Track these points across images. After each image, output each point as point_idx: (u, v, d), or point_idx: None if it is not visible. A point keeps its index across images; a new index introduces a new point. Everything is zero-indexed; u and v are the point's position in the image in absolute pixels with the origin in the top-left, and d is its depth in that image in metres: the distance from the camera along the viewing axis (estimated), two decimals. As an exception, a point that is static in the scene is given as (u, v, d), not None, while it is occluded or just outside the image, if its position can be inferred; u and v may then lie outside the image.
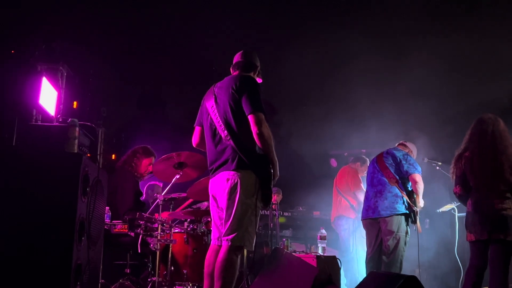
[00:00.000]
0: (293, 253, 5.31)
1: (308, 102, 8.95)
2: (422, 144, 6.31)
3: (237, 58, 3.92)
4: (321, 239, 6.00)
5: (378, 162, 5.60)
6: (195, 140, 3.95)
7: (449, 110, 7.62)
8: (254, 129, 3.48)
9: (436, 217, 7.27)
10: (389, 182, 5.42)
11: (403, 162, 5.44)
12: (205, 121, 3.79)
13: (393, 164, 5.49)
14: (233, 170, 3.52)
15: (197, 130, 3.93)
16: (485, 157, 4.39)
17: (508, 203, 4.27)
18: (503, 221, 4.24)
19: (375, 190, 5.51)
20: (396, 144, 5.86)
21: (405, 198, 5.36)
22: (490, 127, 4.46)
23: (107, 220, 4.61)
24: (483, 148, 4.42)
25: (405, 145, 5.78)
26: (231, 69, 3.95)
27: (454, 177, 4.59)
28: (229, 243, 3.46)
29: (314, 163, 9.56)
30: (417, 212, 5.37)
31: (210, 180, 3.73)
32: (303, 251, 6.24)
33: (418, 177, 5.35)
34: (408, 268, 5.82)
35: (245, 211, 3.49)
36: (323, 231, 6.10)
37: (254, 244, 3.57)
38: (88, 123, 3.98)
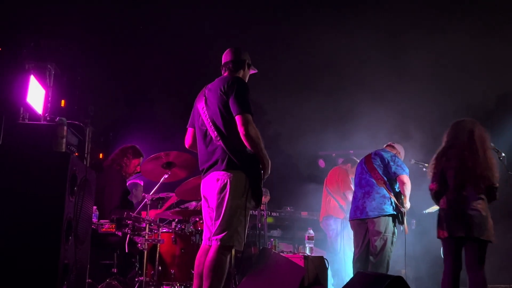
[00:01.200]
0: (281, 253, 5.33)
1: (297, 103, 8.97)
2: (409, 145, 6.36)
3: (225, 57, 3.94)
4: (308, 239, 6.02)
5: (366, 163, 5.63)
6: (187, 141, 3.97)
7: (436, 112, 7.69)
8: (240, 130, 3.51)
9: (423, 218, 7.33)
10: (377, 183, 5.45)
11: (391, 163, 5.47)
12: (197, 122, 3.82)
13: (381, 165, 5.52)
14: (223, 170, 3.55)
15: (189, 131, 3.95)
16: (473, 154, 4.42)
17: (482, 204, 4.35)
18: (476, 220, 4.30)
19: (363, 191, 5.54)
20: (384, 146, 5.89)
21: (393, 199, 5.39)
22: (475, 128, 4.52)
23: (94, 220, 4.59)
24: (470, 146, 4.45)
25: (393, 147, 5.82)
26: (221, 69, 3.96)
27: (432, 174, 4.62)
28: (219, 243, 3.48)
29: (302, 163, 9.60)
30: (404, 213, 5.41)
31: (202, 181, 3.76)
32: (290, 251, 6.26)
33: (406, 178, 5.39)
34: (394, 268, 5.85)
35: (235, 211, 3.51)
36: (311, 231, 6.12)
37: (243, 244, 3.57)
38: (76, 122, 3.96)
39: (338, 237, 6.97)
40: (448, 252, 4.48)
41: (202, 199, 3.78)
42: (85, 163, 4.02)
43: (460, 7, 8.24)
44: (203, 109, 3.73)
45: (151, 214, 4.93)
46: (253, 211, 7.15)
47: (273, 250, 5.51)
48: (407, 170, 5.47)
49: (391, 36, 8.37)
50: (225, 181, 3.53)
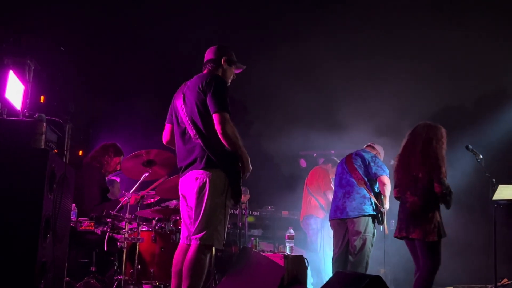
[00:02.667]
0: (261, 253, 5.34)
1: (278, 103, 8.98)
2: (389, 146, 6.41)
3: (206, 56, 3.92)
4: (289, 238, 6.04)
5: (347, 163, 5.66)
6: (165, 137, 3.93)
7: (417, 114, 7.75)
8: (217, 128, 3.50)
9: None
10: (357, 183, 5.49)
11: (372, 164, 5.52)
12: (175, 119, 3.78)
13: (362, 166, 5.55)
14: (201, 169, 3.53)
15: (167, 127, 3.91)
16: (412, 157, 4.60)
17: (417, 203, 4.48)
18: (410, 221, 4.47)
19: (344, 191, 5.57)
20: (364, 146, 5.93)
21: (373, 199, 5.44)
22: (423, 132, 4.66)
23: (73, 217, 4.54)
24: (411, 150, 4.63)
25: (373, 147, 5.86)
26: (202, 67, 3.94)
27: (394, 181, 4.86)
28: (198, 242, 3.46)
29: (284, 163, 9.62)
30: (384, 213, 5.46)
31: (180, 179, 3.73)
32: (271, 251, 6.28)
33: (386, 179, 5.44)
34: (373, 268, 5.89)
35: (214, 209, 3.50)
36: (291, 230, 6.14)
37: (223, 243, 3.57)
38: (56, 119, 3.91)
39: (318, 237, 7.01)
40: (410, 251, 4.66)
41: (180, 197, 3.75)
42: (64, 160, 3.99)
43: (452, 7, 8.32)
44: (182, 107, 3.70)
45: (132, 199, 4.91)
46: (234, 210, 7.17)
47: (253, 249, 5.51)
48: (387, 171, 5.52)
49: (378, 36, 8.42)
50: (204, 180, 3.51)
